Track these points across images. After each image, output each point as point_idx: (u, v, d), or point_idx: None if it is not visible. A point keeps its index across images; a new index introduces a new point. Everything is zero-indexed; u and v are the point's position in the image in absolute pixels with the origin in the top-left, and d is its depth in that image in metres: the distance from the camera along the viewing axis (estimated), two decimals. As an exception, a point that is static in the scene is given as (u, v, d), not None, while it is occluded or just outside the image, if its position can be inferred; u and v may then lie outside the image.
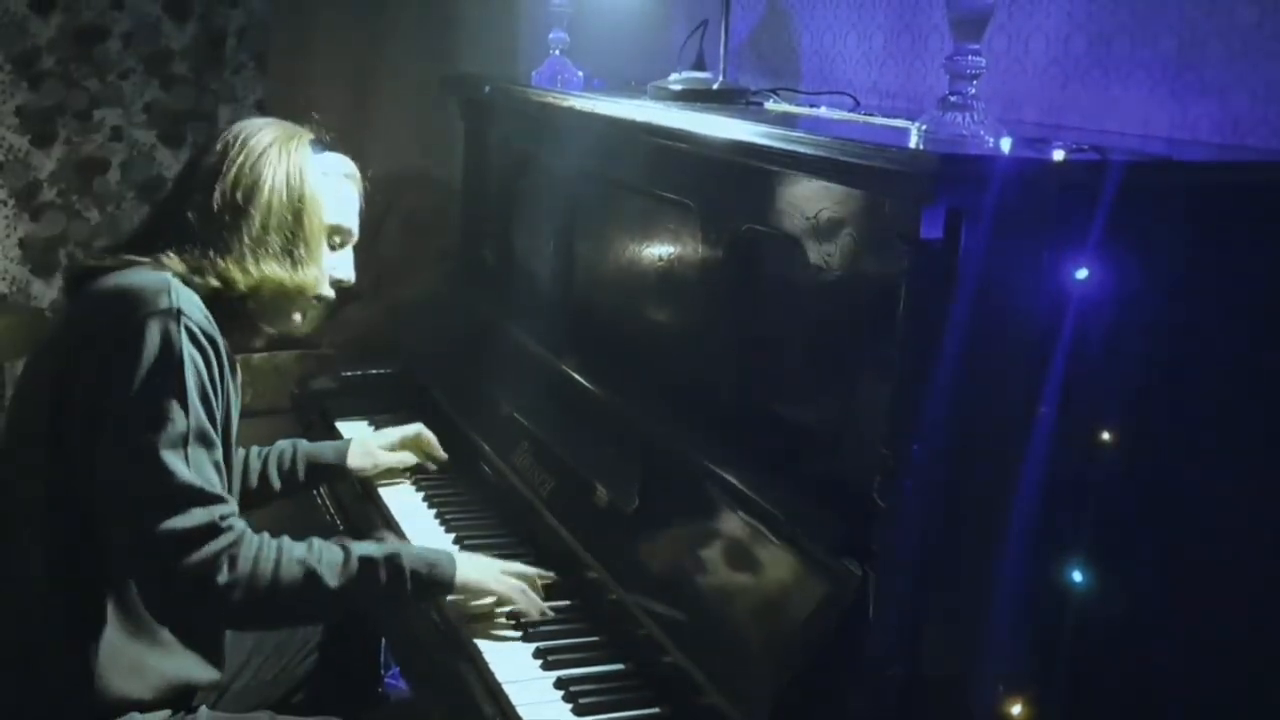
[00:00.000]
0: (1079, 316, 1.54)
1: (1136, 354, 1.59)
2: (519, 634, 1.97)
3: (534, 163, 2.87)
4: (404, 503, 2.49)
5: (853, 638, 1.57)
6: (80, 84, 3.96)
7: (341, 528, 2.57)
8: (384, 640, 2.59)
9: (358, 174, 2.18)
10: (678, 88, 2.49)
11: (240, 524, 1.83)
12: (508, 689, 1.82)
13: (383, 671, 2.81)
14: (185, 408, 1.79)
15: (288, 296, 2.02)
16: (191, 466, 1.79)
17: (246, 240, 1.98)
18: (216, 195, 1.98)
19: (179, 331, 1.80)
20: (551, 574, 2.11)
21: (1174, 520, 1.66)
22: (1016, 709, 1.58)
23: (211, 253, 1.95)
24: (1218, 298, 1.64)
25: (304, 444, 2.50)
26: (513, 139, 2.99)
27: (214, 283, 1.93)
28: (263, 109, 4.07)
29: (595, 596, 2.02)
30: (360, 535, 2.43)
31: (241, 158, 2.02)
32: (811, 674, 1.58)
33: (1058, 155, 1.57)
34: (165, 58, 4.03)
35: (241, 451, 2.37)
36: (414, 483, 2.57)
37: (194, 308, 1.86)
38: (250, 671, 2.22)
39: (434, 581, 1.95)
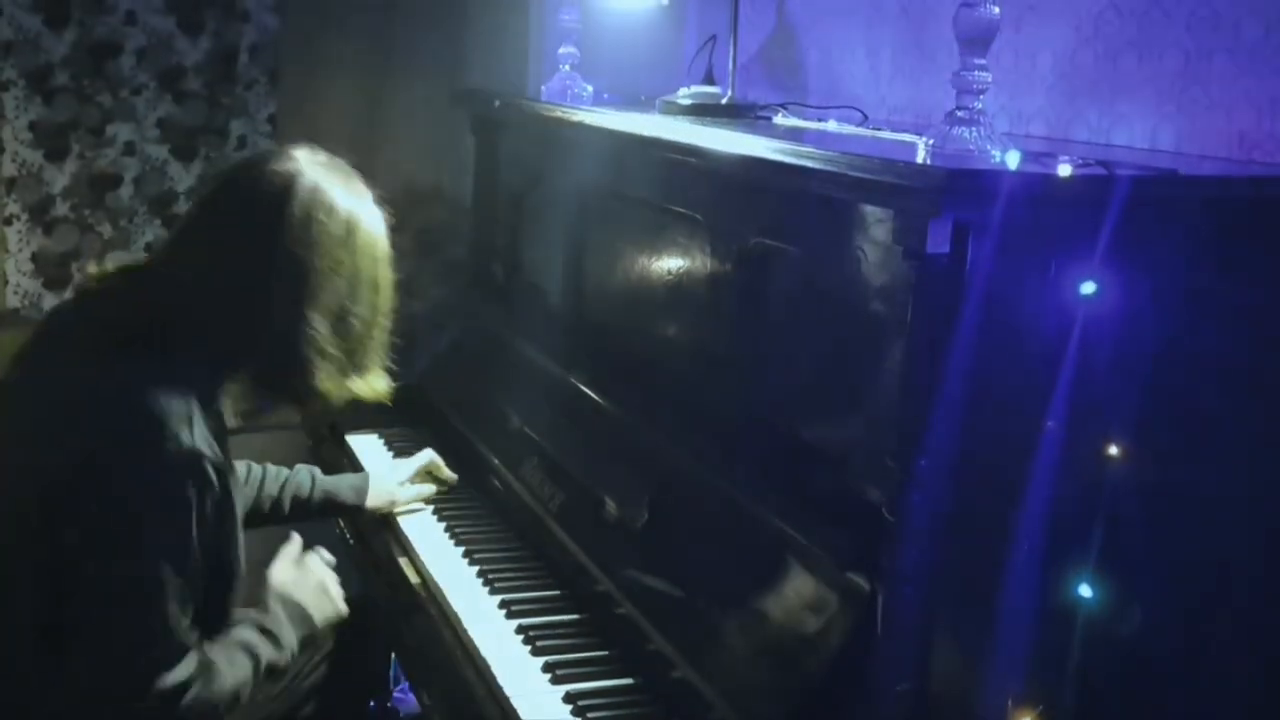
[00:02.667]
0: (1086, 330, 1.54)
1: (1144, 368, 1.59)
2: (528, 647, 1.97)
3: (544, 177, 2.88)
4: (413, 516, 2.49)
5: (861, 653, 1.57)
6: (93, 99, 3.97)
7: (350, 539, 2.57)
8: (393, 655, 2.60)
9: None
10: (687, 102, 2.50)
11: (204, 656, 1.77)
12: (516, 703, 1.82)
13: (392, 686, 2.81)
14: (186, 554, 1.71)
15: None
16: (185, 613, 1.73)
17: (329, 355, 1.79)
18: (314, 297, 1.77)
19: (195, 479, 1.70)
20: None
21: (1183, 534, 1.66)
22: (1025, 724, 1.58)
23: (272, 367, 1.80)
24: (1225, 311, 1.64)
25: (322, 477, 2.42)
26: (523, 153, 3.00)
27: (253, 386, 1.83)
28: (274, 124, 4.08)
29: (604, 610, 2.02)
30: (370, 546, 2.44)
31: (340, 245, 1.79)
32: (820, 689, 1.58)
33: (1064, 170, 1.57)
34: (178, 73, 4.04)
35: (259, 469, 2.34)
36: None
37: (206, 439, 1.72)
38: (256, 685, 2.21)
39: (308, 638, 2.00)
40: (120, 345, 1.76)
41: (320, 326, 1.79)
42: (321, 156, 1.90)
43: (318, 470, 2.44)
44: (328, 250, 1.79)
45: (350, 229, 1.83)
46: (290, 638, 1.95)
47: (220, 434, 1.82)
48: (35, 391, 1.84)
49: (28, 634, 1.76)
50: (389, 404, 1.97)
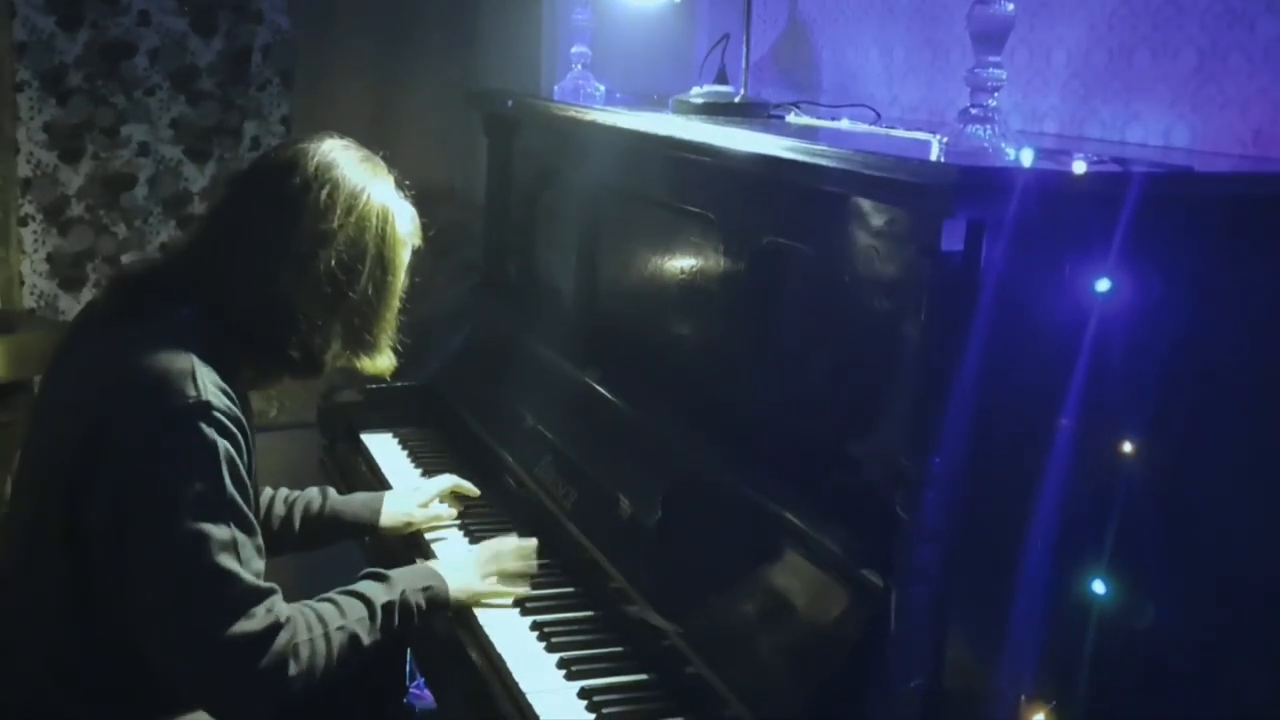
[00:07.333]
0: (1100, 328, 1.54)
1: (1158, 365, 1.59)
2: (543, 643, 1.98)
3: (557, 177, 2.88)
4: (428, 515, 2.49)
5: (874, 650, 1.57)
6: (107, 100, 3.99)
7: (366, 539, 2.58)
8: (409, 651, 2.60)
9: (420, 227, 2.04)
10: (699, 101, 2.50)
11: (286, 609, 1.78)
12: (531, 699, 1.83)
13: (408, 683, 2.82)
14: (227, 503, 1.71)
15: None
16: (245, 565, 1.72)
17: (337, 326, 1.85)
18: (315, 264, 1.81)
19: (209, 427, 1.70)
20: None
21: (1197, 532, 1.66)
22: (1039, 720, 1.58)
23: (284, 333, 1.82)
24: (1239, 309, 1.64)
25: (334, 496, 2.36)
26: (535, 153, 3.01)
27: (266, 359, 1.85)
28: (287, 124, 4.10)
29: (618, 607, 2.03)
30: (385, 543, 2.44)
31: (343, 217, 1.83)
32: (833, 685, 1.58)
33: (1078, 167, 1.57)
34: (191, 74, 4.06)
35: (269, 492, 2.30)
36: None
37: (218, 392, 1.74)
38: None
39: (434, 603, 1.99)
40: (119, 316, 1.82)
41: (307, 288, 1.82)
42: (349, 142, 1.95)
43: (331, 490, 2.39)
44: (322, 217, 1.83)
45: (353, 202, 1.86)
46: (408, 579, 1.96)
47: (243, 401, 1.82)
48: (55, 377, 1.92)
49: (60, 616, 1.79)
50: (387, 379, 2.03)
